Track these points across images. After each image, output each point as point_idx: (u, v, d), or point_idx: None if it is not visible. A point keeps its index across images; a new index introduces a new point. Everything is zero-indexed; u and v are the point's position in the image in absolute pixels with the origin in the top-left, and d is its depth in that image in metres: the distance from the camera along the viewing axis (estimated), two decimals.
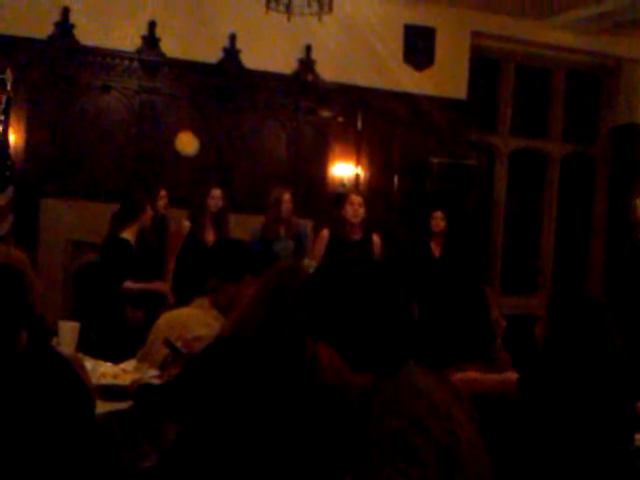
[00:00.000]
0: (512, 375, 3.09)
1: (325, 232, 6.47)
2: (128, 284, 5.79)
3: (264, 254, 6.29)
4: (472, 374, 3.13)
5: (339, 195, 7.41)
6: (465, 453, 1.70)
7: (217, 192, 6.58)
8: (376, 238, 6.52)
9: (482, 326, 3.42)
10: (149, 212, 6.04)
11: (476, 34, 8.74)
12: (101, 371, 3.52)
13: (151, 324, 3.99)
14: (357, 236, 6.40)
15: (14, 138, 6.97)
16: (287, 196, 6.64)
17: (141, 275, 5.95)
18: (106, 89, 7.54)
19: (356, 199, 6.48)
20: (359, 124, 8.25)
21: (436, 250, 7.34)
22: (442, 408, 1.70)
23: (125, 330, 5.68)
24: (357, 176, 8.29)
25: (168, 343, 3.39)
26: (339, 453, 2.24)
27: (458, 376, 2.87)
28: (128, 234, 5.84)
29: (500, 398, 3.02)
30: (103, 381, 3.38)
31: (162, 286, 6.17)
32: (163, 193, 6.64)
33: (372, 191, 8.19)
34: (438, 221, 7.29)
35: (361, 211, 6.39)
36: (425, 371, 1.79)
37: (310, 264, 5.81)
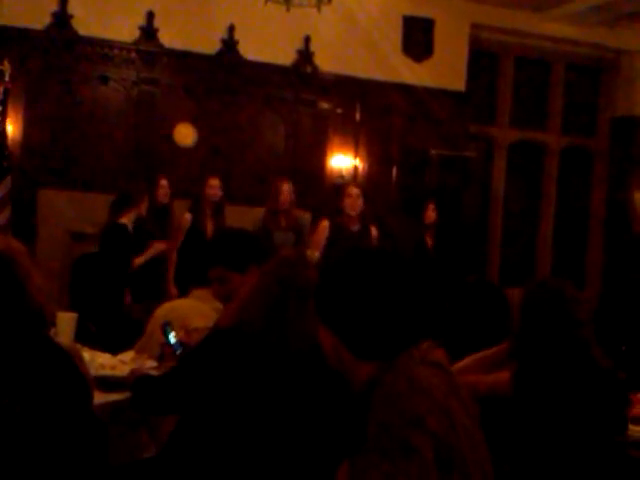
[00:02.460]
0: (505, 375, 3.10)
1: (326, 222, 6.48)
2: (137, 260, 6.04)
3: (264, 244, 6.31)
4: (470, 377, 3.15)
5: (337, 186, 7.43)
6: (465, 449, 1.70)
7: (214, 181, 6.62)
8: (373, 229, 6.55)
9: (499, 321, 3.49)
10: (146, 200, 6.10)
11: (475, 26, 8.73)
12: (99, 362, 3.52)
13: (148, 308, 4.02)
14: (356, 227, 6.42)
15: (12, 129, 6.96)
16: (286, 187, 6.64)
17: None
18: (104, 80, 7.52)
19: (354, 191, 6.49)
20: (358, 115, 8.25)
21: (429, 241, 7.38)
22: (442, 403, 1.70)
23: (123, 320, 5.71)
24: (356, 168, 8.29)
25: (164, 327, 3.39)
26: (336, 441, 2.25)
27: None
28: (126, 220, 5.94)
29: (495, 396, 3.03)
30: (101, 372, 3.38)
31: (158, 246, 6.30)
32: (163, 182, 6.65)
33: (371, 183, 8.20)
34: (430, 212, 7.36)
35: (359, 202, 6.41)
36: (426, 365, 1.79)
37: (313, 255, 5.83)
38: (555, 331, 2.99)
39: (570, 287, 3.15)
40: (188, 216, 6.53)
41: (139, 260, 6.10)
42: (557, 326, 2.99)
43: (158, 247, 6.28)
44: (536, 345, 3.01)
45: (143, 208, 6.10)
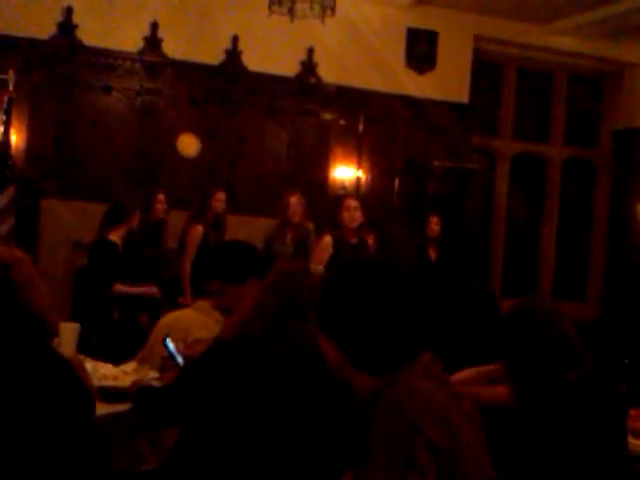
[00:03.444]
0: (502, 390, 3.10)
1: (328, 239, 6.39)
2: (118, 287, 5.80)
3: (264, 255, 6.30)
4: (471, 388, 3.16)
5: (337, 198, 7.41)
6: (468, 461, 1.70)
7: (222, 195, 6.62)
8: (370, 239, 6.53)
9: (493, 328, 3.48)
10: (138, 215, 6.00)
11: (478, 38, 8.74)
12: (101, 373, 3.52)
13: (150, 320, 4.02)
14: (355, 239, 6.39)
15: (16, 138, 6.98)
16: (293, 199, 6.64)
17: (128, 276, 5.96)
18: (108, 90, 7.54)
19: (352, 203, 6.41)
20: (360, 127, 8.25)
21: (432, 254, 7.37)
22: (441, 413, 1.70)
23: (124, 331, 5.69)
24: (358, 179, 8.29)
25: (164, 342, 3.39)
26: (339, 454, 2.25)
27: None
28: (115, 236, 5.82)
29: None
30: (104, 383, 3.38)
31: (151, 291, 6.15)
32: (161, 197, 6.63)
33: (373, 194, 8.21)
34: (433, 226, 7.36)
35: (357, 215, 6.33)
36: (426, 375, 1.79)
37: (317, 268, 5.83)
38: (541, 347, 2.98)
39: (551, 304, 3.15)
40: (200, 228, 6.50)
41: (122, 288, 5.84)
42: (543, 341, 2.98)
43: (150, 291, 6.11)
44: (525, 361, 3.00)
45: (134, 223, 5.99)
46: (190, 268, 6.50)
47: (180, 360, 3.35)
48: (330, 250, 6.29)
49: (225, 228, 6.65)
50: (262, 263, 3.39)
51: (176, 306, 5.88)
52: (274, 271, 2.87)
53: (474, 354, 3.67)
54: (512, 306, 3.19)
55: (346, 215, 6.30)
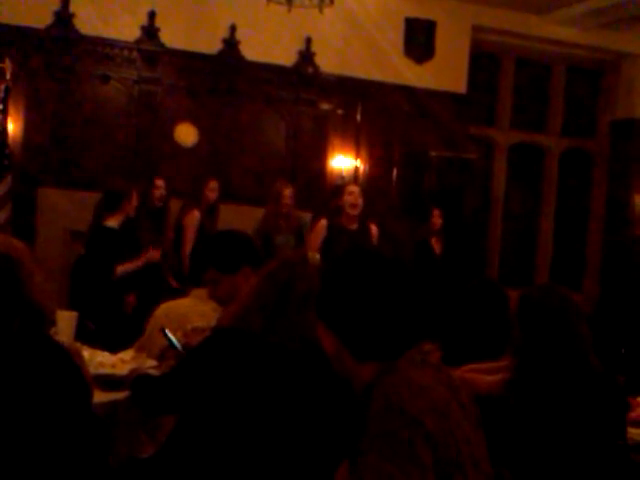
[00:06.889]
0: (504, 377, 3.11)
1: (323, 222, 6.47)
2: (120, 269, 5.75)
3: (265, 247, 6.31)
4: (467, 374, 3.17)
5: (337, 186, 7.43)
6: (463, 450, 1.70)
7: (214, 184, 6.64)
8: (374, 227, 6.55)
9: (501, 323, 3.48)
10: (134, 200, 5.93)
11: (477, 28, 8.74)
12: (99, 361, 3.51)
13: (148, 308, 3.99)
14: (354, 226, 6.41)
15: (12, 127, 6.96)
16: (288, 191, 6.65)
17: (127, 259, 5.91)
18: (105, 79, 7.52)
19: (354, 189, 6.49)
20: (358, 116, 8.24)
21: (436, 247, 7.41)
22: (440, 406, 1.71)
23: (122, 319, 5.69)
24: (356, 168, 8.29)
25: (164, 333, 3.39)
26: (336, 442, 2.25)
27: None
28: (112, 222, 5.77)
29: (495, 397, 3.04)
30: (101, 371, 3.37)
31: (152, 255, 6.00)
32: (159, 183, 6.60)
33: (371, 184, 8.20)
34: (436, 219, 7.41)
35: (360, 201, 6.39)
36: (425, 367, 1.79)
37: (315, 257, 5.81)
38: (555, 338, 2.98)
39: (569, 294, 3.15)
40: (197, 212, 6.53)
41: (123, 268, 5.75)
42: (558, 333, 2.98)
43: (150, 257, 5.95)
44: (535, 351, 3.00)
45: (130, 209, 5.87)
46: (190, 251, 6.49)
47: (181, 349, 3.34)
48: (323, 233, 6.34)
49: (217, 218, 6.66)
50: (256, 253, 3.39)
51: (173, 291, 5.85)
52: (274, 260, 2.87)
53: (480, 346, 3.67)
54: (540, 292, 3.18)
55: (349, 199, 6.33)
